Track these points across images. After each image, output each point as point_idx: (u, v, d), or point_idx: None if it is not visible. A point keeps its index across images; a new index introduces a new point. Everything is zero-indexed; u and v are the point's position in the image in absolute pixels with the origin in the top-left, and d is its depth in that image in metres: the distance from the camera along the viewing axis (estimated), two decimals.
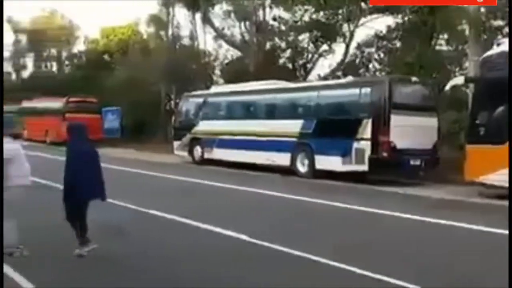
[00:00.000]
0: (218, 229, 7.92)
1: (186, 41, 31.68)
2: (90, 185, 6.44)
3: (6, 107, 34.96)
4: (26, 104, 32.04)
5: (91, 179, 6.47)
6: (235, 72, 26.06)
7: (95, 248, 6.41)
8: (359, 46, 24.34)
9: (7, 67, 53.44)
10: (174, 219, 8.81)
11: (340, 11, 22.61)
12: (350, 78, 16.63)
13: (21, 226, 6.45)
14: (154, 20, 33.34)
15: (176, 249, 7.00)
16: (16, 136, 6.80)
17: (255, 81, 18.74)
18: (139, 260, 6.39)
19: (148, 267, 6.04)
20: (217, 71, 31.29)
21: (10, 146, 6.50)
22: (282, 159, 15.58)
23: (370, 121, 13.31)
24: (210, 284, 5.58)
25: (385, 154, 13.08)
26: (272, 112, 16.78)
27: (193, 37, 31.05)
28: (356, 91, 14.28)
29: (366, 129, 13.35)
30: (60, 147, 24.90)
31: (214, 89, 20.97)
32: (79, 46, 47.81)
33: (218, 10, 29.14)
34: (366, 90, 13.96)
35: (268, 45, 27.34)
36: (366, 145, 13.31)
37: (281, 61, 27.44)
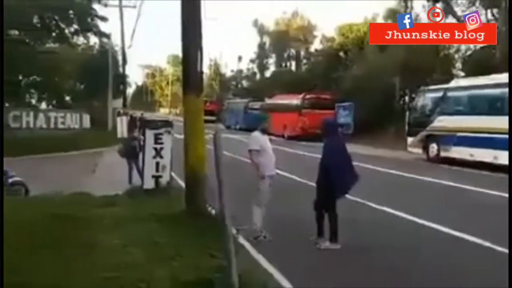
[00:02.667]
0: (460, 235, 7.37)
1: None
2: (344, 181, 6.55)
3: (250, 104, 38.90)
4: (268, 101, 35.42)
5: (345, 174, 6.57)
6: (478, 64, 23.84)
7: (337, 248, 6.47)
8: None
9: (254, 67, 59.06)
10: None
11: None
12: None
13: (268, 212, 6.98)
14: (392, 14, 32.76)
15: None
16: (264, 131, 7.30)
17: (503, 72, 16.78)
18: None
19: None
20: (458, 64, 29.15)
21: (260, 139, 7.07)
22: None
23: None
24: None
25: None
26: None
27: None
28: None
29: None
30: (296, 141, 26.61)
31: (454, 83, 19.53)
32: (316, 45, 50.07)
33: None
34: None
35: None
36: None
37: None
